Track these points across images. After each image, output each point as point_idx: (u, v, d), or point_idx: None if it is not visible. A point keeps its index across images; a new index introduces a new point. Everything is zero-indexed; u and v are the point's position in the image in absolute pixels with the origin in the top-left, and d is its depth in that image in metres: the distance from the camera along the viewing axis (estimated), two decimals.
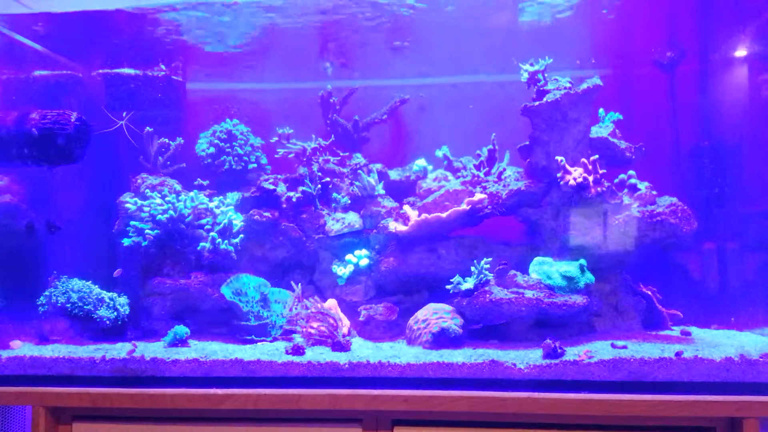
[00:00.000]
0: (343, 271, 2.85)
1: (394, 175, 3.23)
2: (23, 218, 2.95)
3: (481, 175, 2.99)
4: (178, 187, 3.11)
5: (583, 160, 2.66)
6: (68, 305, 2.68)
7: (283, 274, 3.04)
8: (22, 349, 2.53)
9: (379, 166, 3.20)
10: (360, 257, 2.86)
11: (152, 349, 2.46)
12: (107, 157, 3.15)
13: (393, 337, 2.73)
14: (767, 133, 2.92)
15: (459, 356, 2.28)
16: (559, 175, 2.67)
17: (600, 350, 2.30)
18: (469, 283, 2.57)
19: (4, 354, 2.41)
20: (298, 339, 2.62)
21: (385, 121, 3.45)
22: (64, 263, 2.89)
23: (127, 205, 2.90)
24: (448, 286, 2.62)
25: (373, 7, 2.98)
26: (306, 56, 3.52)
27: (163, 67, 3.32)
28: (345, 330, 2.65)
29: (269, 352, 2.43)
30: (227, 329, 2.79)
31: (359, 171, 3.08)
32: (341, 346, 2.47)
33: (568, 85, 2.74)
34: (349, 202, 3.04)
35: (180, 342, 2.54)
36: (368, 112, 3.43)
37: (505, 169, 2.97)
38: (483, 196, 2.81)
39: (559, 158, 2.67)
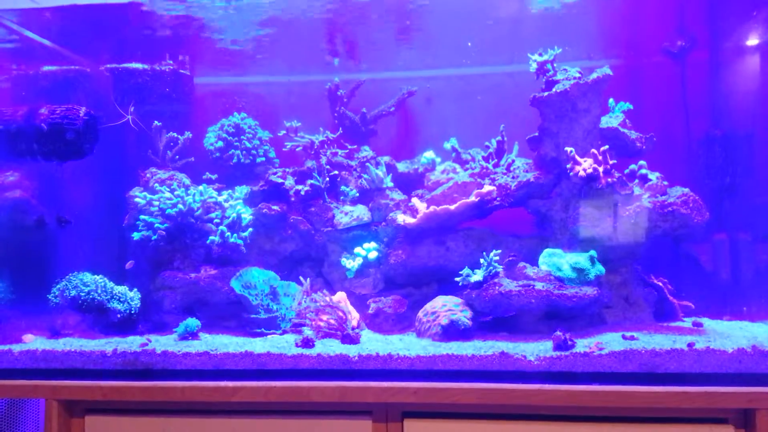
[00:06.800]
0: (352, 263, 2.85)
1: (402, 167, 3.21)
2: (33, 213, 2.96)
3: (490, 166, 2.97)
4: (187, 181, 3.11)
5: (593, 150, 2.64)
6: (80, 299, 2.69)
7: (292, 267, 3.04)
8: (34, 342, 2.54)
9: (387, 158, 3.18)
10: (369, 250, 2.85)
11: (163, 343, 2.47)
12: (116, 151, 3.15)
13: (402, 329, 2.73)
14: None
15: (469, 348, 2.28)
16: (568, 166, 2.65)
17: (611, 342, 2.29)
18: (478, 276, 2.56)
19: (17, 348, 2.43)
20: (308, 332, 2.62)
21: (392, 113, 3.43)
22: (74, 257, 2.90)
23: (137, 200, 2.91)
24: (458, 279, 2.61)
25: None
26: (313, 49, 3.51)
27: (170, 61, 3.32)
28: (354, 323, 2.66)
29: (279, 344, 2.43)
30: (237, 322, 2.79)
31: (367, 164, 3.07)
32: (351, 339, 2.47)
33: (578, 75, 2.72)
34: (358, 194, 3.04)
35: (191, 335, 2.56)
36: (376, 105, 3.42)
37: (514, 161, 2.96)
38: (492, 187, 2.79)
39: (568, 149, 2.65)
